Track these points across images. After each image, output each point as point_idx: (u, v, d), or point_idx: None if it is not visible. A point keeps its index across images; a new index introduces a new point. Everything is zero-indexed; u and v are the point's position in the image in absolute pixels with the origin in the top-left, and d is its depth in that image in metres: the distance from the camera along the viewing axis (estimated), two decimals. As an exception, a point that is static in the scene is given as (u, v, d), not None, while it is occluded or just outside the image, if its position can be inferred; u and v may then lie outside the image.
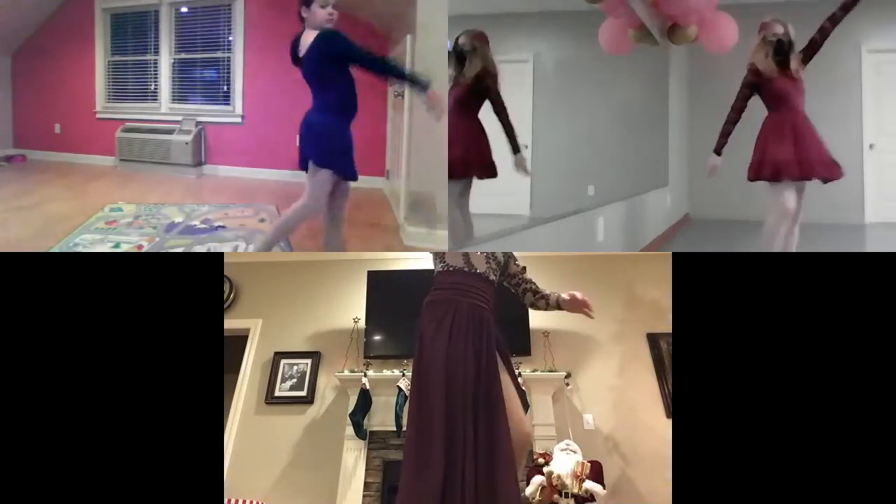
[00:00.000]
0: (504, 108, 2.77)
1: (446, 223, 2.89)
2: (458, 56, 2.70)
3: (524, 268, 2.28)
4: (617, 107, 5.05)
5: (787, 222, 3.22)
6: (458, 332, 1.94)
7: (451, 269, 2.11)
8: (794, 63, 3.10)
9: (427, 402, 1.90)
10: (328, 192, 2.64)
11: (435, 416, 1.84)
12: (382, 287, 4.30)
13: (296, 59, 2.64)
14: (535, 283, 2.26)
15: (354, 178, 2.68)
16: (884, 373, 1.51)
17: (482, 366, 1.91)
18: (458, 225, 2.79)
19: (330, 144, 2.60)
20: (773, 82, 3.14)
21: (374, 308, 4.23)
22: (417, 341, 2.02)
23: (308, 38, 2.56)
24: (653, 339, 4.17)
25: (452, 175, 2.76)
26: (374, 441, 3.85)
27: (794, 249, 3.23)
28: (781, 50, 3.08)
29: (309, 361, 4.25)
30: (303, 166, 2.69)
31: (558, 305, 2.19)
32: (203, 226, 4.04)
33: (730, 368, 1.57)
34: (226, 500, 3.42)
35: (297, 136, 2.68)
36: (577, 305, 2.16)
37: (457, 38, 2.74)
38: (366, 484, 3.67)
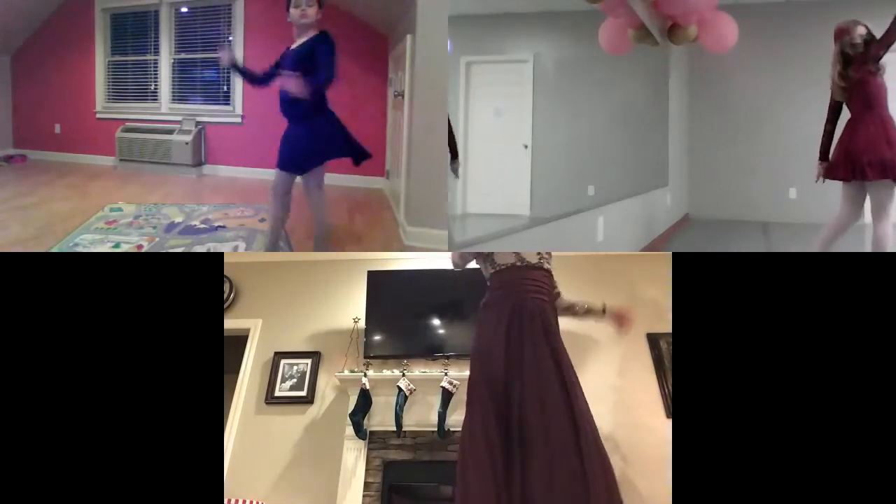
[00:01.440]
0: None
1: (446, 223, 2.90)
2: None
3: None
4: (617, 107, 5.05)
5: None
6: (509, 331, 1.98)
7: (501, 267, 2.12)
8: (865, 63, 3.04)
9: (472, 405, 1.94)
10: (277, 182, 2.82)
11: (477, 418, 1.89)
12: (382, 287, 4.30)
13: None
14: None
15: (284, 169, 2.82)
16: (884, 373, 1.51)
17: (525, 359, 1.93)
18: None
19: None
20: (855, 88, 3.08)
21: (374, 308, 4.23)
22: (473, 346, 2.07)
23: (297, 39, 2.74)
24: (653, 339, 4.16)
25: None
26: (374, 441, 3.85)
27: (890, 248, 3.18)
28: (849, 57, 3.05)
29: (309, 361, 4.25)
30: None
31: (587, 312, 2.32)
32: (203, 226, 4.04)
33: (730, 368, 1.57)
34: (226, 500, 3.42)
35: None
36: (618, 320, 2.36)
37: None
38: (366, 484, 3.67)
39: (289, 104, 2.71)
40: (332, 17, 5.45)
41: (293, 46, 2.74)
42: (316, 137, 2.75)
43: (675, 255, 1.86)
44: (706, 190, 6.73)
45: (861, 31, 3.08)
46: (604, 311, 2.44)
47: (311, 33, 2.72)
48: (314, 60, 2.67)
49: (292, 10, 2.67)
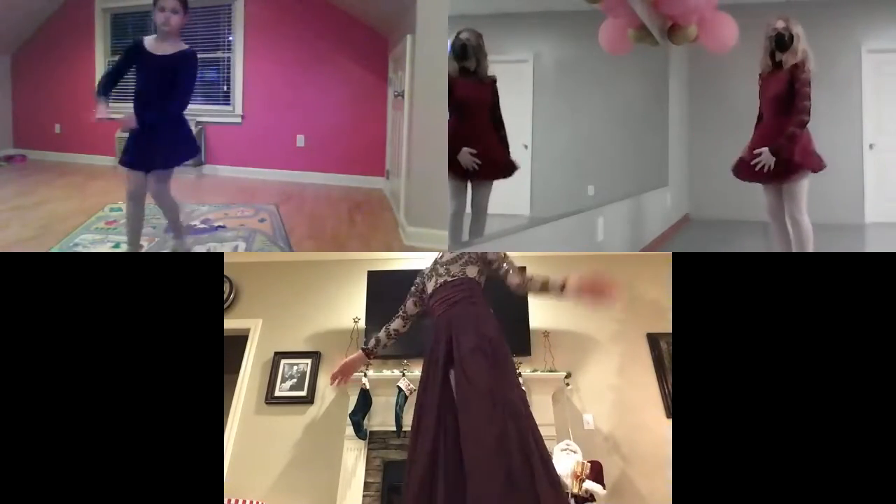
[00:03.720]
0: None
1: (447, 223, 2.89)
2: (464, 54, 2.69)
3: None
4: (617, 107, 5.05)
5: (774, 221, 3.29)
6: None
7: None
8: (789, 60, 3.07)
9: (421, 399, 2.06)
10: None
11: (427, 410, 1.98)
12: (382, 287, 4.29)
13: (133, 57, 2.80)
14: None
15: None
16: (884, 373, 1.50)
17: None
18: (475, 224, 2.83)
19: None
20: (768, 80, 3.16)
21: (374, 308, 4.23)
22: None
23: (159, 43, 2.76)
24: (653, 339, 4.17)
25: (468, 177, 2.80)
26: (374, 441, 3.85)
27: (793, 249, 3.24)
28: (781, 43, 3.07)
29: (309, 361, 4.25)
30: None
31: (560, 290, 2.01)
32: (203, 226, 4.04)
33: (730, 368, 1.57)
34: (226, 500, 3.42)
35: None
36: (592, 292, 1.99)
37: (459, 35, 2.74)
38: (366, 484, 3.67)
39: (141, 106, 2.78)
40: (333, 16, 5.49)
41: (158, 53, 2.75)
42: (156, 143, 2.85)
43: (675, 255, 1.86)
44: (706, 190, 6.72)
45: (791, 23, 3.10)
46: (563, 287, 2.01)
47: (176, 42, 2.76)
48: (176, 78, 2.76)
49: (157, 13, 2.68)
